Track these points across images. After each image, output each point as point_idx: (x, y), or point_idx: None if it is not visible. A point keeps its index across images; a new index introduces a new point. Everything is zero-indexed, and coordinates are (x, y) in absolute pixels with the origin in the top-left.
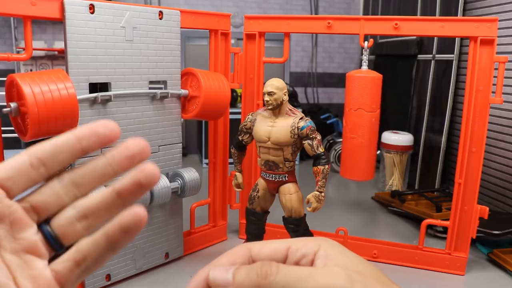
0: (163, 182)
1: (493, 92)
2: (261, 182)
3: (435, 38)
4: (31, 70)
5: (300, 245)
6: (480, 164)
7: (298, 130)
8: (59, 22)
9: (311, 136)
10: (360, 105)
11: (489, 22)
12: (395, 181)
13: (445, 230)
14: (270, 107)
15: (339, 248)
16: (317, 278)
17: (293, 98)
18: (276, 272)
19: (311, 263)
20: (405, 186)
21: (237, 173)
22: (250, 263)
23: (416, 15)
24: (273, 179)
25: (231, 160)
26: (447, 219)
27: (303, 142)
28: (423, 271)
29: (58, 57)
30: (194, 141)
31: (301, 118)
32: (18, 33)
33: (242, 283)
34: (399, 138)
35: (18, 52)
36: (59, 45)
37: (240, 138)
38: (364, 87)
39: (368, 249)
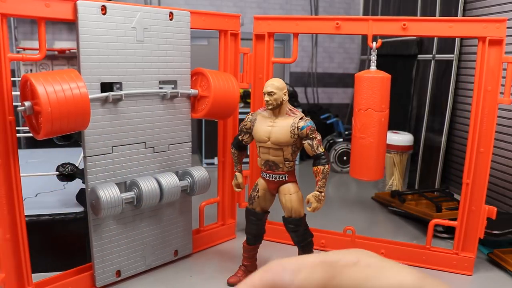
0: (173, 180)
1: (502, 93)
2: (261, 182)
3: (435, 38)
4: (31, 71)
5: (337, 259)
6: (488, 165)
7: (298, 130)
8: (59, 22)
9: (311, 136)
10: (370, 105)
11: (498, 22)
12: (395, 181)
13: (445, 229)
14: (270, 107)
15: (378, 257)
16: (389, 275)
17: (293, 98)
18: (340, 272)
19: None
20: (405, 186)
21: (237, 173)
22: None
23: (416, 15)
24: (273, 179)
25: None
26: (447, 219)
27: (303, 142)
28: (430, 271)
29: (58, 57)
30: (194, 141)
31: (301, 118)
32: (18, 33)
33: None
34: (399, 138)
35: (18, 52)
36: (59, 45)
37: (240, 138)
38: (373, 87)
39: (376, 248)
